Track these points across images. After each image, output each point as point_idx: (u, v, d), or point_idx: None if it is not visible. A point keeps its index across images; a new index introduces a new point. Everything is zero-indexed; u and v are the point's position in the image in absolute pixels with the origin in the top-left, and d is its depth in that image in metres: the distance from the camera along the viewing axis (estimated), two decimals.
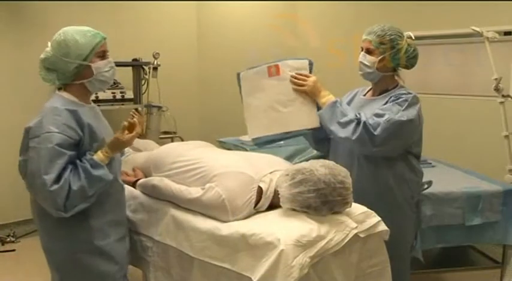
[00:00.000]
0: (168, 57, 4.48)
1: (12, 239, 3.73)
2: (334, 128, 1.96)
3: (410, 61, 2.04)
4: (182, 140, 4.04)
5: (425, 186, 2.32)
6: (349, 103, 2.19)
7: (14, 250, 3.58)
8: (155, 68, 4.26)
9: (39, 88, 4.06)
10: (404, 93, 2.00)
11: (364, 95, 2.18)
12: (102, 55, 1.74)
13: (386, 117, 1.90)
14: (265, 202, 1.76)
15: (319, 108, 2.06)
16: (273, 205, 1.77)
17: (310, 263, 1.46)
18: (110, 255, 1.76)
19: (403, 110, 1.92)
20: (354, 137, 1.91)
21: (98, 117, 1.84)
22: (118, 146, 1.74)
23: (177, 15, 4.89)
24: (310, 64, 2.11)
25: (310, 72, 2.10)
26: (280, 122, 2.07)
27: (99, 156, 1.69)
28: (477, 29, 2.88)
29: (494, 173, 3.01)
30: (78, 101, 1.75)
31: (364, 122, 1.91)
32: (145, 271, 2.00)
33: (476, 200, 2.61)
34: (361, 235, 1.65)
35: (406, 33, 2.06)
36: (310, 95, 2.05)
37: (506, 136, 2.90)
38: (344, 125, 1.94)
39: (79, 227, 1.71)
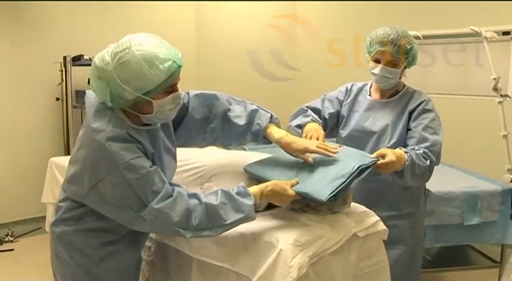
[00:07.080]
0: None
1: (11, 238, 3.71)
2: (413, 182, 1.86)
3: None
4: None
5: None
6: (352, 103, 2.11)
7: (12, 250, 3.55)
8: None
9: (39, 88, 4.10)
10: (425, 100, 1.99)
11: (369, 94, 2.10)
12: (171, 90, 1.41)
13: (435, 140, 1.94)
14: (263, 202, 1.76)
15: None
16: (272, 205, 1.76)
17: (309, 263, 1.46)
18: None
19: (439, 126, 1.98)
20: (428, 181, 1.95)
21: (157, 143, 1.52)
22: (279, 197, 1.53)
23: (176, 15, 4.89)
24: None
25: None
26: None
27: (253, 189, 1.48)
28: (476, 28, 2.88)
29: (492, 172, 3.02)
30: (133, 125, 1.44)
31: (431, 165, 1.86)
32: (144, 271, 1.99)
33: (475, 200, 2.62)
34: (360, 235, 1.65)
35: (413, 34, 2.03)
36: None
37: (505, 136, 2.90)
38: (421, 175, 1.84)
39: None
